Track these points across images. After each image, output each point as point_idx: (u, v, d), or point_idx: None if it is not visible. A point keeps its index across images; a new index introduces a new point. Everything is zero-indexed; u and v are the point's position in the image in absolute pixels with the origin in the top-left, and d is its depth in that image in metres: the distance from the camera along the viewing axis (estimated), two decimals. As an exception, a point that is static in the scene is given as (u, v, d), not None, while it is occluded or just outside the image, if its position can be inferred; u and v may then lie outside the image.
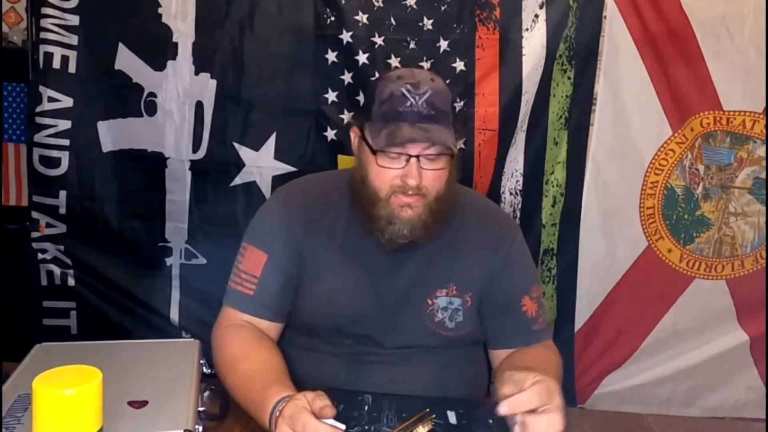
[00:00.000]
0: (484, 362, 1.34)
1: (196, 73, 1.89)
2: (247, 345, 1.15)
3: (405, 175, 1.09)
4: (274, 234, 1.22)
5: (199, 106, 1.90)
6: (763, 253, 2.06)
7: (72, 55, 1.86)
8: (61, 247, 1.95)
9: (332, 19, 1.87)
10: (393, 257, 1.20)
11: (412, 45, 1.89)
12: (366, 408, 1.06)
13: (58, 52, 1.85)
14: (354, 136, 1.20)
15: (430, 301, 1.21)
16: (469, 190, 1.39)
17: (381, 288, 1.21)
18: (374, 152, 1.10)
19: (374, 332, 1.21)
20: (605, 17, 1.92)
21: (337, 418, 0.94)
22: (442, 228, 1.18)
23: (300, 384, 1.05)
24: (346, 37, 1.87)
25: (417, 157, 1.08)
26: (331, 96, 1.90)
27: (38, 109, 1.86)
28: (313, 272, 1.21)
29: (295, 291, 1.22)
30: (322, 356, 1.24)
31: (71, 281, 1.97)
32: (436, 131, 1.08)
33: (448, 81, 1.88)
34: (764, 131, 1.98)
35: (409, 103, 1.08)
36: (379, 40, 1.88)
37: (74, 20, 1.85)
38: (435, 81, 1.12)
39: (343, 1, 1.86)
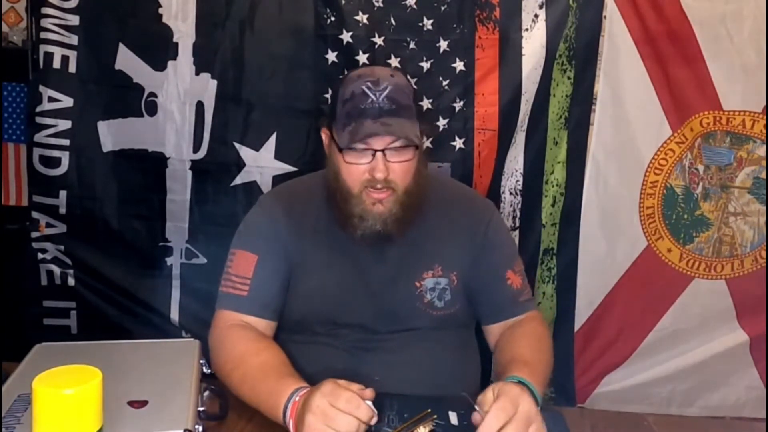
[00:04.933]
0: (476, 348, 1.38)
1: (197, 74, 1.89)
2: (253, 342, 1.16)
3: (372, 169, 1.13)
4: (261, 236, 1.25)
5: (200, 106, 1.90)
6: (763, 253, 2.06)
7: (72, 55, 1.86)
8: (61, 247, 1.95)
9: (332, 19, 1.87)
10: (377, 247, 1.23)
11: (412, 45, 1.89)
12: (366, 408, 1.06)
13: (58, 52, 1.85)
14: (325, 136, 1.24)
15: (417, 284, 1.25)
16: (446, 176, 1.45)
17: (368, 277, 1.24)
18: (341, 150, 1.14)
19: (367, 320, 1.24)
20: (605, 17, 1.92)
21: None
22: (418, 216, 1.22)
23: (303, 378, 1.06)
24: (346, 37, 1.87)
25: (382, 151, 1.12)
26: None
27: (38, 108, 1.86)
28: (301, 270, 1.24)
29: (286, 289, 1.25)
30: (319, 348, 1.26)
31: (71, 281, 1.97)
32: (397, 125, 1.11)
33: (448, 81, 1.90)
34: (764, 131, 1.98)
35: (369, 100, 1.11)
36: (379, 40, 1.88)
37: (74, 20, 1.85)
38: (395, 76, 1.15)
39: (343, 1, 1.86)
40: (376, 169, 1.13)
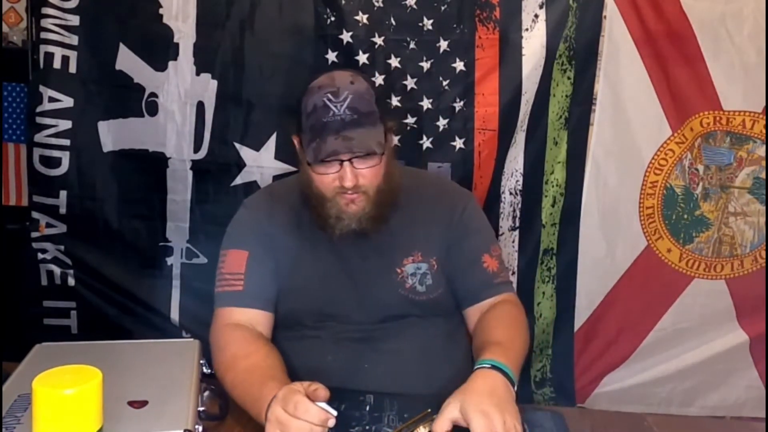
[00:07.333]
0: (464, 335, 1.39)
1: (197, 74, 1.89)
2: (246, 343, 1.18)
3: (341, 178, 1.16)
4: (249, 233, 1.30)
5: (200, 106, 1.90)
6: (763, 253, 2.06)
7: (72, 55, 1.86)
8: (61, 247, 1.95)
9: (332, 19, 1.87)
10: (358, 239, 1.25)
11: (412, 45, 1.89)
12: (367, 408, 1.06)
13: (58, 52, 1.85)
14: (296, 142, 1.27)
15: (399, 270, 1.28)
16: (425, 171, 1.55)
17: (351, 269, 1.28)
18: (309, 164, 1.18)
19: (353, 311, 1.27)
20: (605, 17, 1.92)
21: (338, 417, 0.94)
22: (393, 209, 1.27)
23: (294, 374, 1.09)
24: (346, 37, 1.87)
25: (349, 160, 1.15)
26: (331, 96, 1.90)
27: (39, 109, 1.86)
28: (288, 265, 1.28)
29: (277, 282, 1.28)
30: (309, 341, 1.28)
31: (71, 281, 1.97)
32: (359, 137, 1.14)
33: (448, 81, 1.90)
34: (764, 131, 1.98)
35: (331, 113, 1.13)
36: (379, 40, 1.88)
37: (74, 20, 1.85)
38: (356, 83, 1.17)
39: (343, 1, 1.86)
40: (344, 178, 1.16)
